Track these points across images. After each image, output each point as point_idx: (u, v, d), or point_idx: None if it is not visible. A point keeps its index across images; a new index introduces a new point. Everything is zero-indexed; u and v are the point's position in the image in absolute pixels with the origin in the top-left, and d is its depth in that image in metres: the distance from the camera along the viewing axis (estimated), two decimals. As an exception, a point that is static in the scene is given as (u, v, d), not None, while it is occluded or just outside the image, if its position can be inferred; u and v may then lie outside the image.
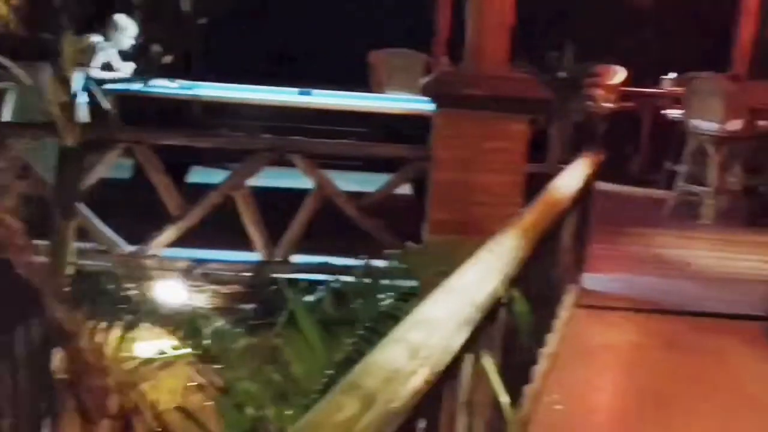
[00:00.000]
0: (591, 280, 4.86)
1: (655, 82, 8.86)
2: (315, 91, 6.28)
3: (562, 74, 4.80)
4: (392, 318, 2.61)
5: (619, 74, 8.60)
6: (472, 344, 1.79)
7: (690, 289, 4.88)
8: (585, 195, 4.27)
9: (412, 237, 4.30)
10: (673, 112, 8.15)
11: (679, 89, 7.84)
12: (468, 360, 1.85)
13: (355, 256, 3.66)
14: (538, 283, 3.02)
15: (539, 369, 3.35)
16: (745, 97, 6.91)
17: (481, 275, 1.87)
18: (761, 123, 6.94)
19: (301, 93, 6.14)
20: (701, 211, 6.80)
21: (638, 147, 8.98)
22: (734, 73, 8.80)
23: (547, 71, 4.81)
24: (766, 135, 7.00)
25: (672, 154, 8.30)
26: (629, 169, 8.94)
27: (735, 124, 6.66)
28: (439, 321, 1.53)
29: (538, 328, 3.30)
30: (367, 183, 5.24)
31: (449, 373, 1.57)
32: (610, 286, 4.87)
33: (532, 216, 2.62)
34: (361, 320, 2.48)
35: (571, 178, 3.60)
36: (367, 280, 3.01)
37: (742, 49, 9.37)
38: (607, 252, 5.61)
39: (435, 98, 4.12)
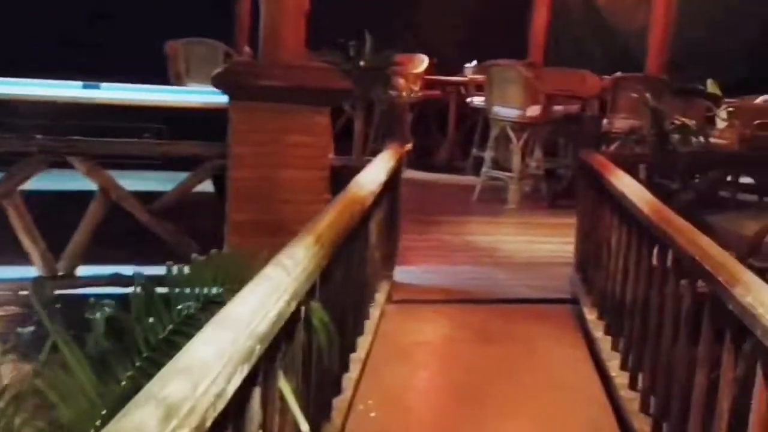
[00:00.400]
0: (403, 273, 4.72)
1: (460, 70, 8.94)
2: (104, 85, 5.74)
3: (362, 63, 4.60)
4: (186, 336, 2.27)
5: (422, 62, 8.59)
6: (257, 380, 1.52)
7: (500, 276, 4.86)
8: (391, 187, 4.11)
9: (215, 240, 3.97)
10: (476, 100, 8.25)
11: (480, 77, 7.93)
12: (256, 396, 1.57)
13: (153, 264, 3.28)
14: (343, 286, 2.79)
15: (351, 376, 3.14)
16: (542, 84, 7.05)
17: (266, 297, 1.60)
18: (557, 108, 7.13)
19: (87, 87, 5.58)
20: (506, 196, 6.90)
21: (446, 134, 9.04)
22: (530, 60, 9.05)
23: (348, 60, 4.59)
24: (561, 119, 7.20)
25: (478, 140, 8.41)
26: (437, 156, 8.98)
27: (534, 110, 6.79)
28: (208, 365, 1.24)
29: (347, 333, 3.08)
30: (170, 182, 4.82)
31: (224, 425, 1.29)
32: (422, 278, 4.76)
33: (330, 218, 2.38)
34: (143, 345, 2.13)
35: (374, 172, 3.40)
36: (161, 290, 2.65)
37: (536, 38, 9.68)
38: (418, 243, 5.52)
39: (228, 90, 3.79)
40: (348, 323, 3.02)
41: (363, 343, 3.42)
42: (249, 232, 3.86)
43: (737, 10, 9.54)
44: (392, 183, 4.03)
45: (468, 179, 8.06)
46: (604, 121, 6.47)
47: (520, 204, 6.83)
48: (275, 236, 3.98)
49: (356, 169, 3.78)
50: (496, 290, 4.64)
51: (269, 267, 1.81)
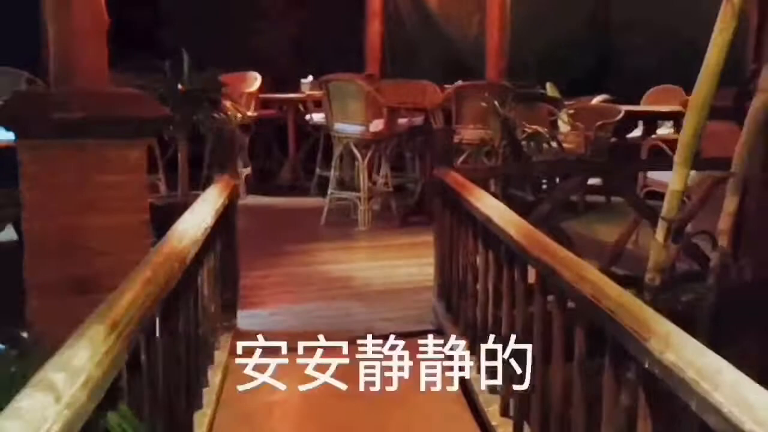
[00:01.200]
0: (248, 318, 4.14)
1: (296, 87, 8.41)
2: None
3: (182, 86, 3.99)
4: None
5: (254, 81, 8.02)
6: None
7: (357, 310, 4.37)
8: (225, 226, 3.52)
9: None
10: (316, 116, 7.76)
11: (317, 92, 7.44)
12: None
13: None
14: (166, 367, 2.20)
15: (188, 467, 2.54)
16: (383, 97, 6.66)
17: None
18: (401, 121, 6.75)
19: None
20: (356, 217, 6.44)
21: (287, 155, 8.49)
22: (368, 73, 8.67)
23: (164, 83, 3.97)
24: (406, 132, 6.84)
25: (321, 159, 7.92)
26: (280, 178, 8.42)
27: (377, 125, 6.37)
28: None
29: (179, 417, 2.48)
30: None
31: None
32: (271, 322, 4.19)
33: (133, 292, 1.79)
34: None
35: (198, 215, 2.82)
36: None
37: (371, 50, 9.33)
38: (264, 279, 4.95)
39: (13, 126, 3.09)
40: (179, 406, 2.42)
41: (201, 419, 2.82)
42: (54, 294, 3.17)
43: (565, 11, 9.60)
44: (225, 220, 3.45)
45: (314, 201, 7.57)
46: (450, 131, 6.14)
47: (371, 225, 6.39)
48: (88, 295, 3.33)
49: (184, 206, 3.19)
50: (354, 327, 4.13)
51: (27, 391, 1.21)
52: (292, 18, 9.35)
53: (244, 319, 4.07)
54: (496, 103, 5.00)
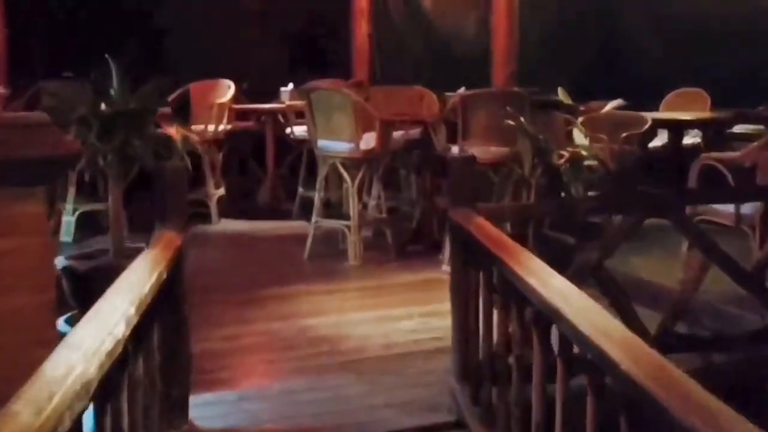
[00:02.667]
0: (210, 408, 3.11)
1: (275, 95, 7.37)
2: None
3: (107, 106, 2.91)
4: None
5: (227, 90, 6.99)
6: None
7: (351, 392, 3.34)
8: (167, 304, 2.49)
9: None
10: (297, 129, 6.73)
11: (299, 102, 6.40)
12: None
13: None
14: None
15: None
16: (374, 108, 5.64)
17: None
18: (396, 135, 5.73)
19: None
20: (346, 247, 5.41)
21: (265, 172, 7.45)
22: (356, 80, 7.66)
23: (85, 102, 2.90)
24: (401, 149, 5.82)
25: (303, 177, 6.90)
26: (258, 199, 7.38)
27: (368, 141, 5.35)
28: None
29: None
30: None
31: None
32: (238, 413, 3.16)
33: None
34: None
35: (111, 311, 1.78)
36: None
37: (359, 53, 8.31)
38: (234, 343, 3.91)
39: None
40: None
41: None
42: None
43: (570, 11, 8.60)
44: (167, 297, 2.42)
45: (296, 225, 6.54)
46: (454, 150, 5.12)
47: (363, 258, 5.36)
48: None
49: (115, 271, 2.17)
50: (349, 419, 3.11)
51: None
52: (269, 19, 8.30)
53: (202, 408, 3.04)
54: (523, 120, 4.00)
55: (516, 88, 5.25)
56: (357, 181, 5.33)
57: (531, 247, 3.60)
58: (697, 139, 7.13)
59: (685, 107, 7.33)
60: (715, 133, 6.54)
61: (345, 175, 5.37)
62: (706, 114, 6.44)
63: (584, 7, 8.67)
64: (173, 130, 2.81)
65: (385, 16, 8.57)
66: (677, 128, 6.69)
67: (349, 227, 5.35)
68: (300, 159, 6.94)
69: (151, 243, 2.36)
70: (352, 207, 5.32)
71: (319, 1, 8.46)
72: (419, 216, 5.98)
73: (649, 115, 6.21)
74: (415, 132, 5.91)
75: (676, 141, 6.71)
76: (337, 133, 5.29)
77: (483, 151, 5.00)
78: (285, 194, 7.34)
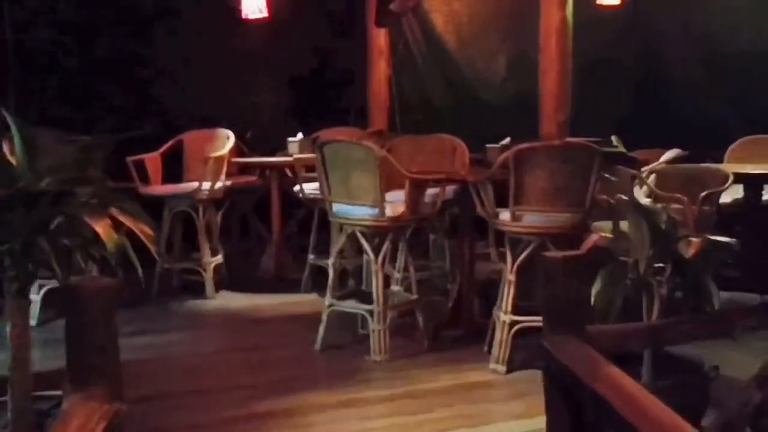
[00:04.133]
0: None
1: (281, 146, 6.32)
2: None
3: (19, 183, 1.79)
4: None
5: (225, 141, 5.94)
6: None
7: None
8: None
9: None
10: (308, 187, 5.66)
11: (310, 155, 5.34)
12: None
13: None
14: None
15: None
16: (401, 163, 4.58)
17: None
18: (430, 193, 4.65)
19: None
20: (367, 334, 4.30)
21: (270, 236, 6.37)
22: (376, 129, 6.62)
23: None
24: (436, 215, 4.74)
25: (314, 242, 5.82)
26: (261, 268, 6.29)
27: (395, 207, 4.27)
28: None
29: None
30: None
31: None
32: None
33: None
34: None
35: None
36: None
37: (377, 97, 7.28)
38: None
39: None
40: None
41: None
42: None
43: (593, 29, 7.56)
44: None
45: (305, 301, 5.49)
46: (504, 216, 4.02)
47: (389, 351, 4.24)
48: None
49: None
50: None
51: None
52: (275, 60, 7.29)
53: None
54: (637, 188, 2.91)
55: (587, 141, 4.16)
56: (381, 256, 4.23)
57: (646, 376, 2.49)
58: (769, 194, 6.02)
59: (758, 158, 6.23)
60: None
61: (366, 247, 4.27)
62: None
63: (625, 45, 7.61)
64: (101, 227, 1.70)
65: (406, 56, 7.55)
66: (755, 182, 5.57)
67: (371, 312, 4.23)
68: (310, 220, 5.87)
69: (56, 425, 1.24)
70: (377, 288, 4.21)
71: (331, 39, 7.45)
72: (456, 293, 4.87)
73: (727, 168, 5.12)
74: (449, 191, 4.82)
75: (755, 197, 5.59)
76: (356, 196, 4.20)
77: (539, 218, 3.91)
78: (293, 261, 6.25)
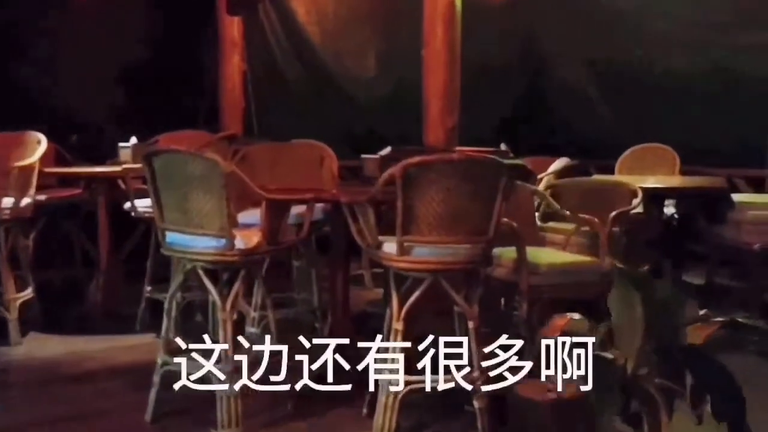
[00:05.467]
0: None
1: (112, 154, 5.17)
2: None
3: None
4: None
5: (37, 146, 4.76)
6: None
7: None
8: None
9: None
10: (141, 205, 4.58)
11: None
12: None
13: None
14: None
15: None
16: (257, 178, 3.63)
17: None
18: (293, 214, 3.70)
19: None
20: (216, 408, 3.30)
21: (97, 262, 5.22)
22: (227, 133, 5.60)
23: None
24: (302, 241, 3.80)
25: (151, 271, 4.76)
26: (86, 301, 5.13)
27: (248, 237, 3.29)
28: None
29: None
30: None
31: None
32: None
33: None
34: None
35: None
36: None
37: (230, 97, 6.27)
38: None
39: None
40: None
41: None
42: None
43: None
44: None
45: (140, 345, 4.46)
46: (389, 248, 3.14)
47: (243, 422, 3.27)
48: None
49: None
50: None
51: None
52: (103, 48, 6.08)
53: None
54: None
55: (477, 150, 3.36)
56: (231, 299, 3.24)
57: None
58: (671, 209, 5.50)
59: (650, 169, 5.71)
60: (715, 204, 4.90)
61: (211, 288, 3.27)
62: (709, 179, 4.77)
63: (506, 46, 6.96)
64: None
65: (263, 49, 6.57)
66: (658, 198, 5.01)
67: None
68: (147, 242, 4.78)
69: None
70: (225, 338, 3.22)
71: (173, 27, 6.34)
72: (329, 332, 3.95)
73: (631, 181, 4.50)
74: (319, 209, 3.91)
75: (658, 213, 5.02)
76: (197, 223, 3.20)
77: (439, 251, 3.06)
78: (126, 292, 5.13)
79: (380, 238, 3.21)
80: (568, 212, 3.93)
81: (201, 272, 3.29)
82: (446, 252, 3.08)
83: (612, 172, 5.71)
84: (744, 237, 4.52)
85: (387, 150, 3.82)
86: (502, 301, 3.91)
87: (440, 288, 3.10)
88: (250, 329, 3.94)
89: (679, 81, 6.17)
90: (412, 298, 3.10)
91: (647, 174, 5.59)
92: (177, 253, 3.32)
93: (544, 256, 3.58)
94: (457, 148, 4.03)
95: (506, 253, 3.59)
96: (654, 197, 4.90)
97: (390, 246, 3.14)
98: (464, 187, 3.00)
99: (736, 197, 4.60)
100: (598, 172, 5.76)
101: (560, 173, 5.44)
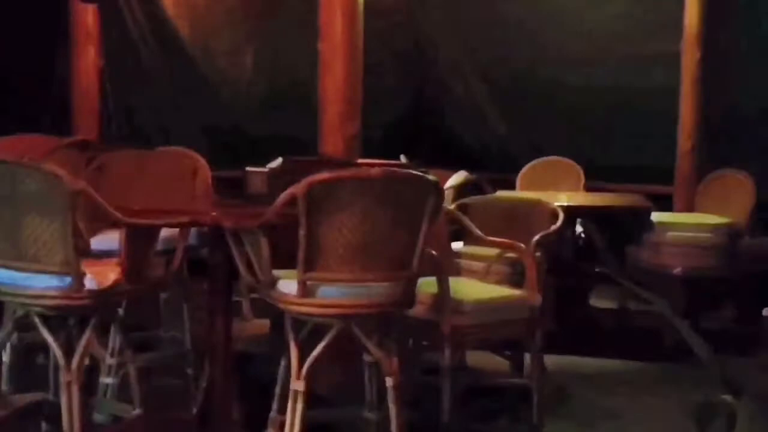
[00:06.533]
0: None
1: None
2: None
3: None
4: None
5: None
6: None
7: None
8: None
9: None
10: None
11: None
12: None
13: None
14: None
15: None
16: (114, 192, 2.89)
17: None
18: (162, 237, 2.95)
19: None
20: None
21: None
22: (78, 139, 4.73)
23: None
24: (173, 276, 3.04)
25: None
26: None
27: (106, 274, 2.53)
28: None
29: None
30: None
31: None
32: None
33: None
34: None
35: None
36: None
37: (83, 96, 5.39)
38: None
39: None
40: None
41: None
42: None
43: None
44: None
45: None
46: (287, 287, 2.48)
47: None
48: None
49: None
50: None
51: None
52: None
53: None
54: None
55: (385, 163, 2.75)
56: (78, 356, 2.47)
57: None
58: (579, 228, 5.11)
59: (554, 184, 5.31)
60: (631, 224, 4.53)
61: (51, 341, 2.49)
62: (631, 198, 4.38)
63: (392, 47, 6.43)
64: None
65: (124, 44, 5.72)
66: (571, 217, 4.58)
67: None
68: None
69: None
70: (66, 412, 2.44)
71: (17, 14, 5.38)
72: (207, 383, 3.20)
73: (540, 197, 4.06)
74: (193, 234, 3.19)
75: (572, 234, 4.60)
76: (32, 256, 2.41)
77: (351, 290, 2.42)
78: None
79: (275, 272, 2.54)
80: (490, 237, 3.39)
81: (37, 320, 2.49)
82: (360, 292, 2.45)
83: (507, 186, 5.29)
84: (664, 260, 4.15)
85: (278, 162, 3.15)
86: (410, 341, 3.30)
87: (350, 337, 2.47)
88: (106, 380, 3.17)
89: (577, 94, 5.84)
90: (316, 351, 2.44)
91: (551, 189, 5.19)
92: (4, 295, 2.51)
93: (466, 289, 3.02)
94: (360, 160, 3.41)
95: (422, 286, 2.99)
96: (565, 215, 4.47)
97: (288, 285, 2.48)
98: (384, 211, 2.39)
99: (655, 217, 4.23)
100: (493, 186, 5.31)
101: (459, 188, 4.95)
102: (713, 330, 4.46)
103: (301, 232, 2.35)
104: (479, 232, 3.33)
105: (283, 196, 2.34)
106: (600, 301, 4.80)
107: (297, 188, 2.32)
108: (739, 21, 5.11)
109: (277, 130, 5.47)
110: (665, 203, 5.04)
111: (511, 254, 3.36)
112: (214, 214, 2.76)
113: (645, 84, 5.33)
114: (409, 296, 2.53)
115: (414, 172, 2.52)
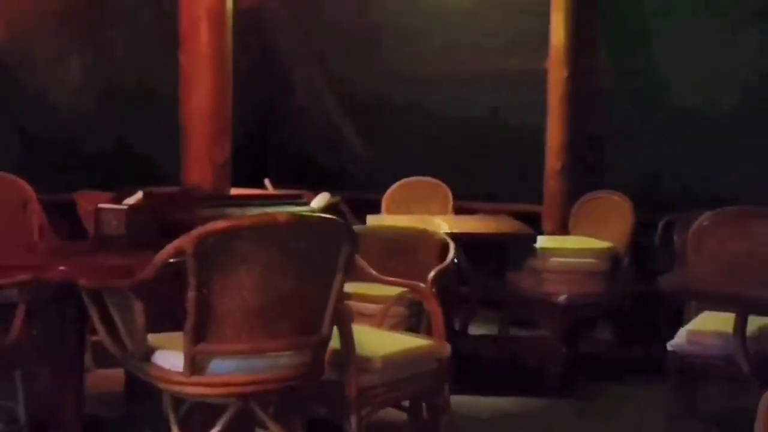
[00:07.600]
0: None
1: None
2: None
3: None
4: None
5: None
6: None
7: None
8: None
9: None
10: None
11: None
12: None
13: None
14: None
15: None
16: None
17: None
18: None
19: None
20: None
21: None
22: None
23: None
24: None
25: None
26: None
27: None
28: None
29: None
30: None
31: None
32: None
33: None
34: None
35: None
36: None
37: None
38: None
39: None
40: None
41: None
42: None
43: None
44: None
45: None
46: (170, 360, 1.97)
47: None
48: None
49: None
50: None
51: None
52: None
53: None
54: None
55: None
56: None
57: None
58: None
59: (422, 204, 5.03)
60: (509, 249, 4.31)
61: None
62: (512, 224, 4.15)
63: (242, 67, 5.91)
64: None
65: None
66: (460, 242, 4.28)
67: None
68: None
69: None
70: None
71: None
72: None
73: (412, 222, 3.77)
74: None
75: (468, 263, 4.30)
76: None
77: (250, 363, 1.95)
78: None
79: (151, 339, 2.02)
80: (379, 275, 3.01)
81: None
82: (262, 365, 1.99)
83: (370, 208, 4.95)
84: (548, 287, 3.96)
85: (137, 196, 2.61)
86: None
87: (251, 419, 2.00)
88: None
89: (438, 111, 5.61)
90: (210, 439, 1.95)
91: (420, 211, 4.92)
92: None
93: (370, 340, 2.61)
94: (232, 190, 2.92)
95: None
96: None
97: (169, 357, 1.97)
98: (290, 263, 1.95)
99: (538, 242, 4.04)
100: (354, 208, 4.97)
101: (324, 212, 4.54)
102: (593, 354, 4.35)
103: (190, 295, 1.86)
104: (374, 272, 2.94)
105: (167, 251, 1.84)
106: (477, 329, 4.57)
107: (185, 241, 1.83)
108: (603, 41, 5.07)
109: (116, 145, 4.84)
110: (534, 222, 4.89)
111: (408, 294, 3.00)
112: (62, 268, 2.18)
113: (512, 101, 5.18)
114: (318, 365, 2.10)
115: (325, 216, 2.09)
